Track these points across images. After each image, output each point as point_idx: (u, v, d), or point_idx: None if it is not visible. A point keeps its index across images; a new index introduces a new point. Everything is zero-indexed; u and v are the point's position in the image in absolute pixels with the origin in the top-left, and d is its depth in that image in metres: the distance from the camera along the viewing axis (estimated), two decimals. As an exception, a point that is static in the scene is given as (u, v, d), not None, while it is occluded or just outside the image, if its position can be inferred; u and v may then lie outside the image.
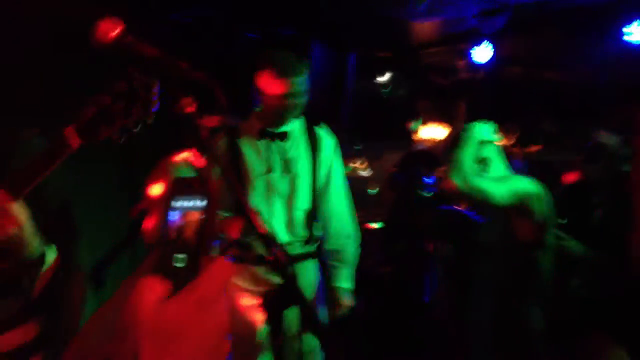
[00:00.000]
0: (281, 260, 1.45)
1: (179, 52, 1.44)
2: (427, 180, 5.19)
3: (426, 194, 5.13)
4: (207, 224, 2.54)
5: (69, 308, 2.37)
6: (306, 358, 2.76)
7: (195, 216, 2.55)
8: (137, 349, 2.30)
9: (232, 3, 4.88)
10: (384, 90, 6.89)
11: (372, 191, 6.99)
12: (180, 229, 2.52)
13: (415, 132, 7.30)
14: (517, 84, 7.73)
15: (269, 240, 1.48)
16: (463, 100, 7.68)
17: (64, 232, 2.58)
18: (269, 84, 2.84)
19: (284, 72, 2.82)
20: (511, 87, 7.66)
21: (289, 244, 2.94)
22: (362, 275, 3.24)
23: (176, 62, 1.38)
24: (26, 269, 1.50)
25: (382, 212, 5.84)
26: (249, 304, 2.90)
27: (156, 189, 2.70)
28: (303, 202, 2.97)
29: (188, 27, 4.84)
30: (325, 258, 3.08)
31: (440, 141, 7.79)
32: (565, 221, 3.29)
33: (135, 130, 1.39)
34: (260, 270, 2.90)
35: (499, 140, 3.14)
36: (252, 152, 2.94)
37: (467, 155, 3.00)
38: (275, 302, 2.62)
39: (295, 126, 3.01)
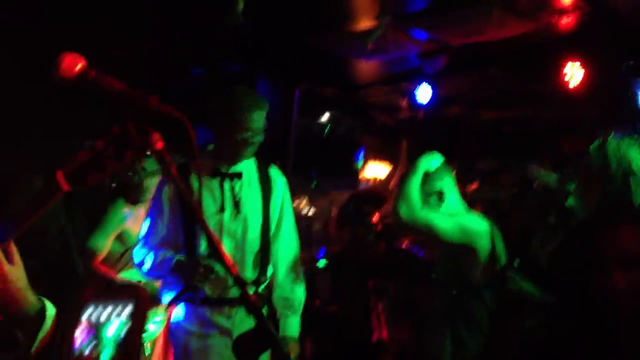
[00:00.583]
0: (253, 302, 1.37)
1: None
2: (373, 218, 5.19)
3: (373, 232, 5.11)
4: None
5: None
6: None
7: None
8: None
9: (176, 38, 4.82)
10: (327, 127, 6.91)
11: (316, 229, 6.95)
12: None
13: (359, 169, 7.33)
14: (456, 123, 7.91)
15: (241, 281, 1.41)
16: (405, 138, 7.79)
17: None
18: (229, 119, 2.79)
19: (246, 107, 2.79)
20: (450, 125, 7.83)
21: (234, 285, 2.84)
22: (309, 315, 3.16)
23: (144, 96, 1.31)
24: (20, 323, 1.36)
25: (327, 250, 5.80)
26: (198, 347, 2.79)
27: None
28: (253, 244, 2.90)
29: (127, 62, 4.74)
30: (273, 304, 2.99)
31: (383, 179, 7.86)
32: (517, 262, 3.30)
33: (129, 176, 1.32)
34: (208, 313, 2.81)
35: (447, 172, 3.11)
36: (204, 191, 2.84)
37: (414, 186, 2.95)
38: (249, 346, 2.52)
39: (248, 166, 2.95)
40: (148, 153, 1.31)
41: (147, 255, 2.85)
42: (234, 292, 2.81)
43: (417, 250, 4.66)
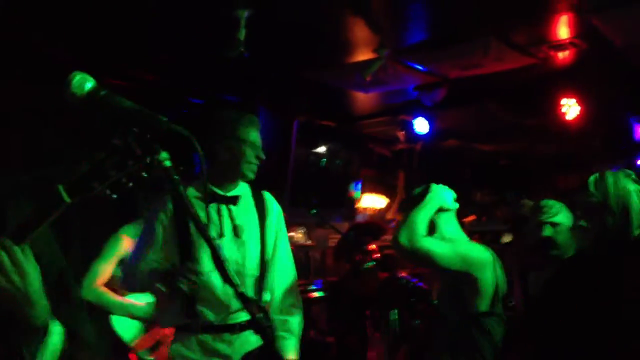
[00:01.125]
0: (262, 323, 1.36)
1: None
2: (372, 247, 5.18)
3: (371, 263, 5.10)
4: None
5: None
6: None
7: None
8: None
9: (175, 68, 4.85)
10: (325, 158, 6.93)
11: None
12: None
13: (357, 200, 7.33)
14: (453, 155, 7.96)
15: (250, 301, 1.39)
16: (402, 170, 7.82)
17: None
18: (225, 136, 2.83)
19: (242, 123, 2.84)
20: (447, 158, 7.87)
21: (236, 311, 2.82)
22: (306, 345, 3.14)
23: (155, 115, 1.32)
24: (26, 334, 1.34)
25: (325, 280, 5.77)
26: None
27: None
28: (253, 268, 2.90)
29: (126, 92, 4.75)
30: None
31: (380, 210, 7.86)
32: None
33: (129, 184, 1.31)
34: (208, 339, 2.79)
35: (456, 208, 3.11)
36: (202, 216, 2.84)
37: (422, 217, 2.93)
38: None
39: (244, 191, 2.97)
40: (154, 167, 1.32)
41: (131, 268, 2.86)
42: (234, 318, 2.80)
43: (416, 280, 4.64)
